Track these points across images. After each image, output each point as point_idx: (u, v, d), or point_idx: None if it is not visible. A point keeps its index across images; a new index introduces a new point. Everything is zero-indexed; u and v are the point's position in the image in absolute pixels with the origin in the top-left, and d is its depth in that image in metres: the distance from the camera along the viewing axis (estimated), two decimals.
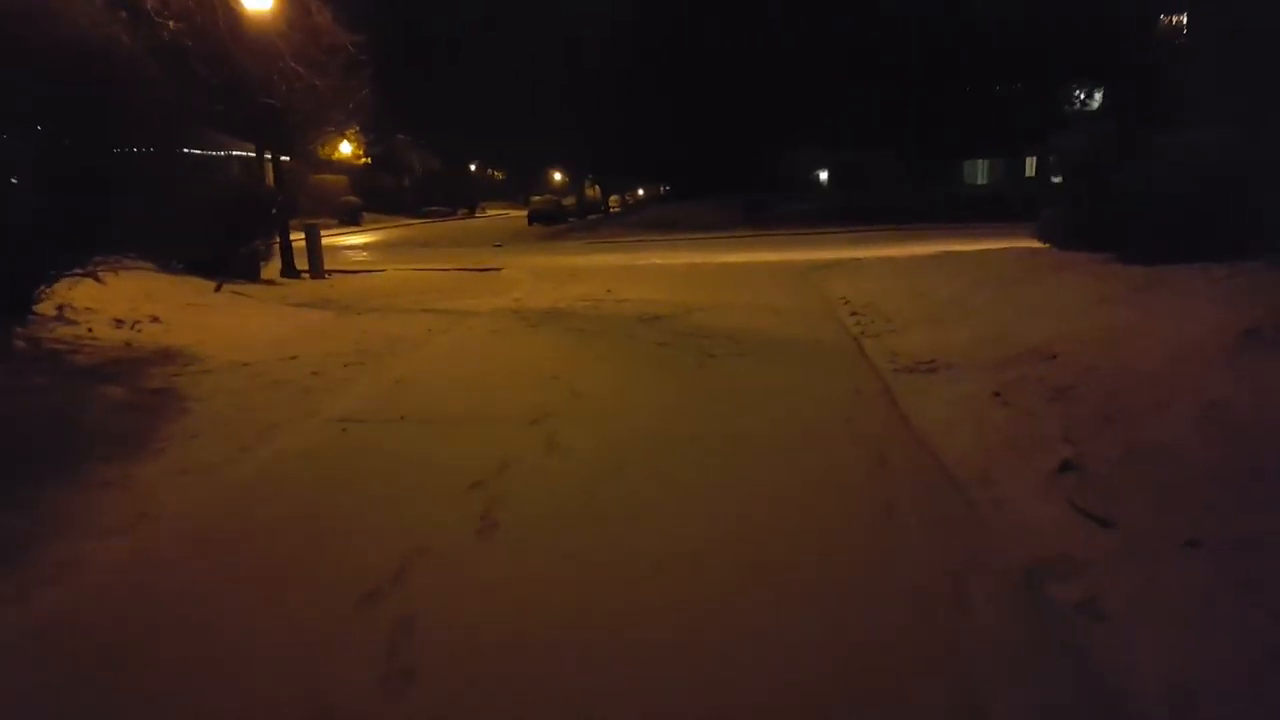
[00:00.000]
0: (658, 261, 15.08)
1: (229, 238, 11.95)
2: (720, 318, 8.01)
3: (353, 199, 43.17)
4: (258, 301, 10.26)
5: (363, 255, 23.43)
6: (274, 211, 12.33)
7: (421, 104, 49.54)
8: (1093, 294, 6.28)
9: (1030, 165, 33.86)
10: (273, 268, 13.52)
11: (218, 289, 10.29)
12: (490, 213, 60.01)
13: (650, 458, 4.06)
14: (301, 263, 14.07)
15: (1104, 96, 30.61)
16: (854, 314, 7.84)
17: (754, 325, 7.57)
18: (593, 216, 39.53)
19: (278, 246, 13.48)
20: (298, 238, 14.19)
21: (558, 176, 68.83)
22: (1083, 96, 31.74)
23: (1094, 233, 8.82)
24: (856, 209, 27.76)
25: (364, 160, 49.43)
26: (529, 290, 10.64)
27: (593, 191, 50.40)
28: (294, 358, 6.70)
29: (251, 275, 12.77)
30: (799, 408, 4.92)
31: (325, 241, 31.62)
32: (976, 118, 31.55)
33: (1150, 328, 5.05)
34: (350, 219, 41.46)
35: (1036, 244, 12.36)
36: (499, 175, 70.02)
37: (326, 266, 14.84)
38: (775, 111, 32.00)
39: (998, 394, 4.76)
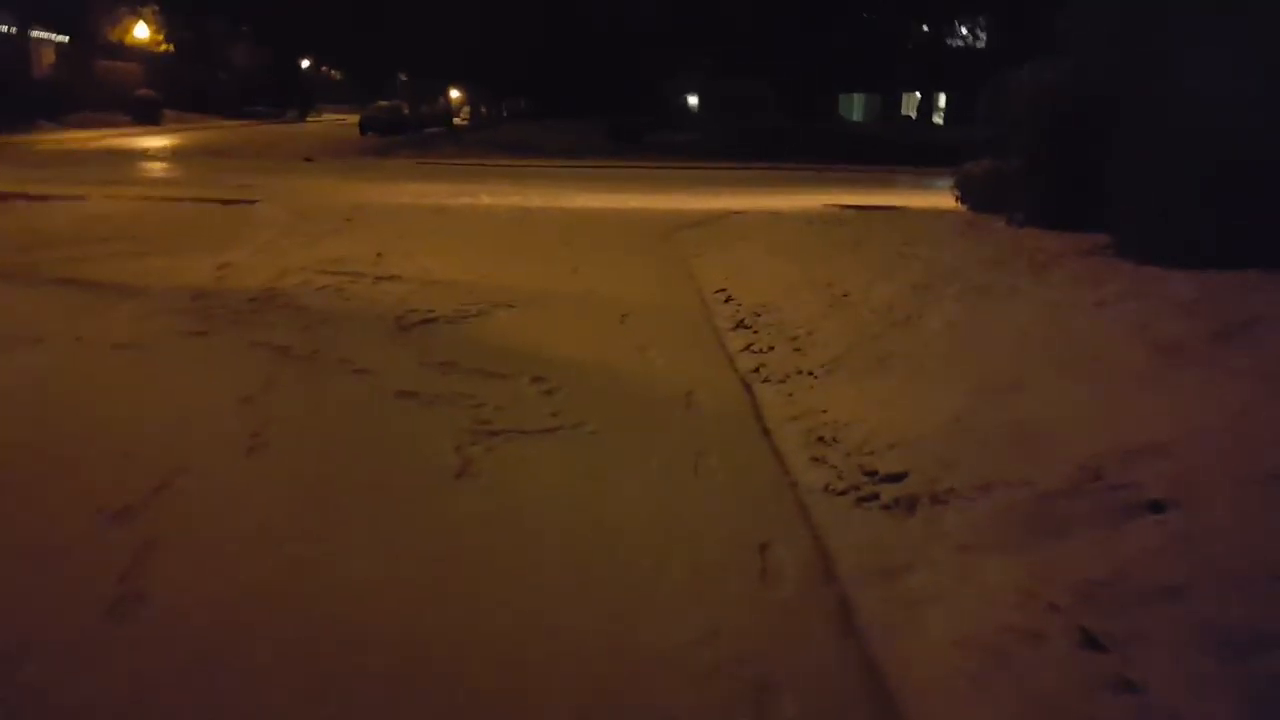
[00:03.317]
0: (485, 201, 11.67)
1: None
2: (533, 326, 4.97)
3: (149, 93, 36.15)
4: None
5: (148, 164, 18.66)
6: None
7: None
8: (1142, 331, 3.72)
9: (908, 103, 32.19)
10: None
11: None
12: (326, 117, 53.29)
13: None
14: None
15: (989, 34, 29.03)
16: (742, 325, 5.00)
17: (584, 348, 4.58)
18: (432, 130, 34.65)
19: None
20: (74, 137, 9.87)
21: (404, 79, 61.83)
22: (968, 33, 30.04)
23: (1068, 206, 6.40)
24: (731, 143, 24.99)
25: (165, 47, 41.68)
26: (262, 246, 7.13)
27: (456, 101, 44.97)
28: None
29: None
30: (636, 669, 2.01)
31: (109, 143, 25.92)
32: (857, 48, 29.26)
33: None
34: (146, 117, 34.80)
35: (956, 205, 10.01)
36: (336, 75, 61.87)
37: (37, 186, 10.55)
38: (652, 30, 28.47)
39: (1093, 641, 2.06)
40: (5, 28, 30.32)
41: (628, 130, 27.81)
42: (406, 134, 32.47)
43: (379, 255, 6.79)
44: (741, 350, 4.55)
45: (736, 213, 10.27)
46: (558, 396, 3.82)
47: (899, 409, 3.54)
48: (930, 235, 6.97)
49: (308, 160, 20.92)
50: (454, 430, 3.38)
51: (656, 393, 3.93)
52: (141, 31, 39.61)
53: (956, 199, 9.78)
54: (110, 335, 4.42)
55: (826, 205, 11.76)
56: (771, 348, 4.50)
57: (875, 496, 2.87)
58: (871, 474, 3.02)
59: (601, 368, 4.25)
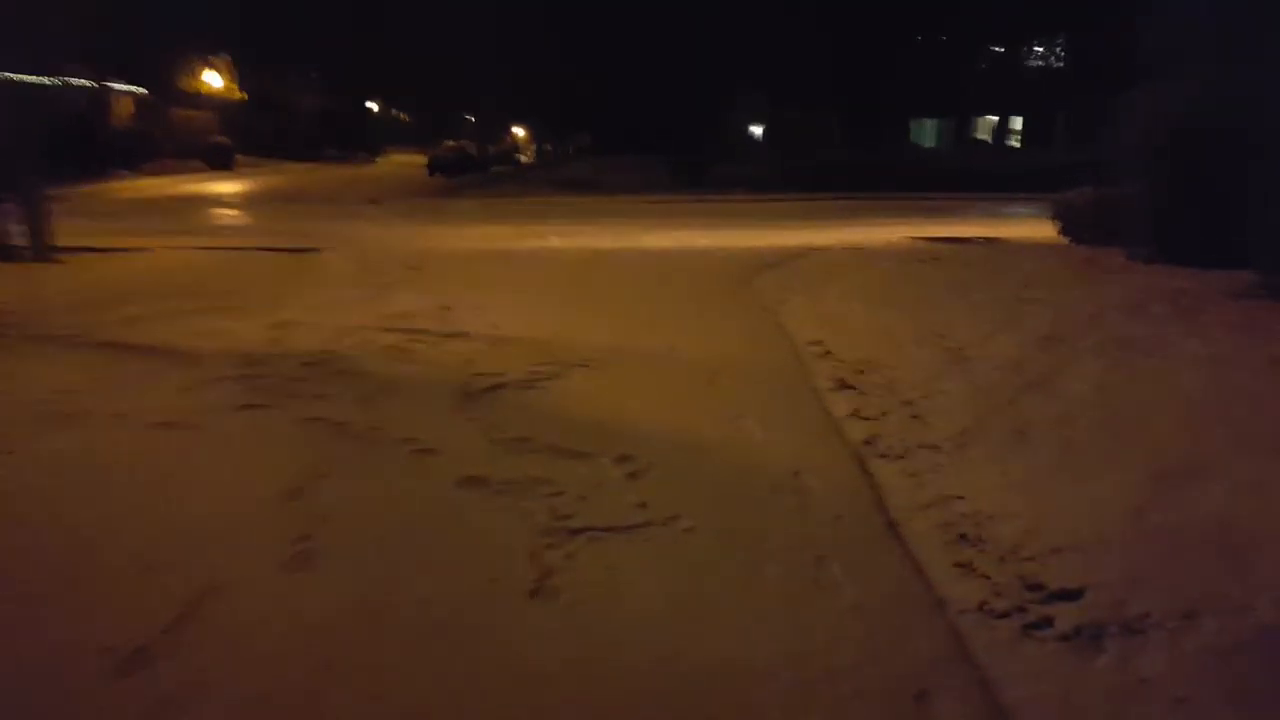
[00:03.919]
0: (554, 243, 11.39)
1: None
2: (612, 390, 4.51)
3: (222, 140, 37.35)
4: None
5: (219, 211, 19.16)
6: None
7: (315, 34, 43.55)
8: None
9: (983, 127, 31.14)
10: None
11: None
12: (395, 159, 54.69)
13: None
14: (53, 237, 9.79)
15: (1067, 55, 27.90)
16: (843, 385, 4.45)
17: (670, 417, 4.09)
18: (499, 169, 35.08)
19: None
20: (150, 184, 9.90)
21: (470, 119, 63.31)
22: (1043, 52, 28.97)
23: (1202, 240, 5.69)
24: (799, 174, 24.47)
25: (239, 96, 43.25)
26: (324, 301, 6.89)
27: (521, 139, 45.79)
28: None
29: None
30: None
31: (183, 190, 26.86)
32: (929, 72, 28.47)
33: None
34: (220, 163, 35.88)
35: (1055, 236, 9.26)
36: (404, 118, 63.60)
37: (107, 238, 10.60)
38: (714, 57, 28.27)
39: None
40: (85, 82, 31.78)
41: (691, 164, 27.53)
42: (474, 174, 32.89)
43: (445, 309, 6.46)
44: (848, 416, 3.99)
45: (815, 249, 9.71)
46: (645, 481, 3.34)
47: (1055, 498, 2.95)
48: (1042, 274, 6.30)
49: (374, 203, 21.16)
50: (528, 529, 2.92)
51: (757, 473, 3.41)
52: (215, 81, 41.17)
53: (1058, 230, 9.07)
54: (153, 411, 4.10)
55: (910, 238, 11.10)
56: (884, 414, 3.94)
57: (1048, 623, 2.29)
58: (1037, 589, 2.44)
59: (691, 442, 3.76)
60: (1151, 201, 6.20)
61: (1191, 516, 2.71)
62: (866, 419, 3.91)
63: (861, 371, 4.55)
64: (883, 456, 3.50)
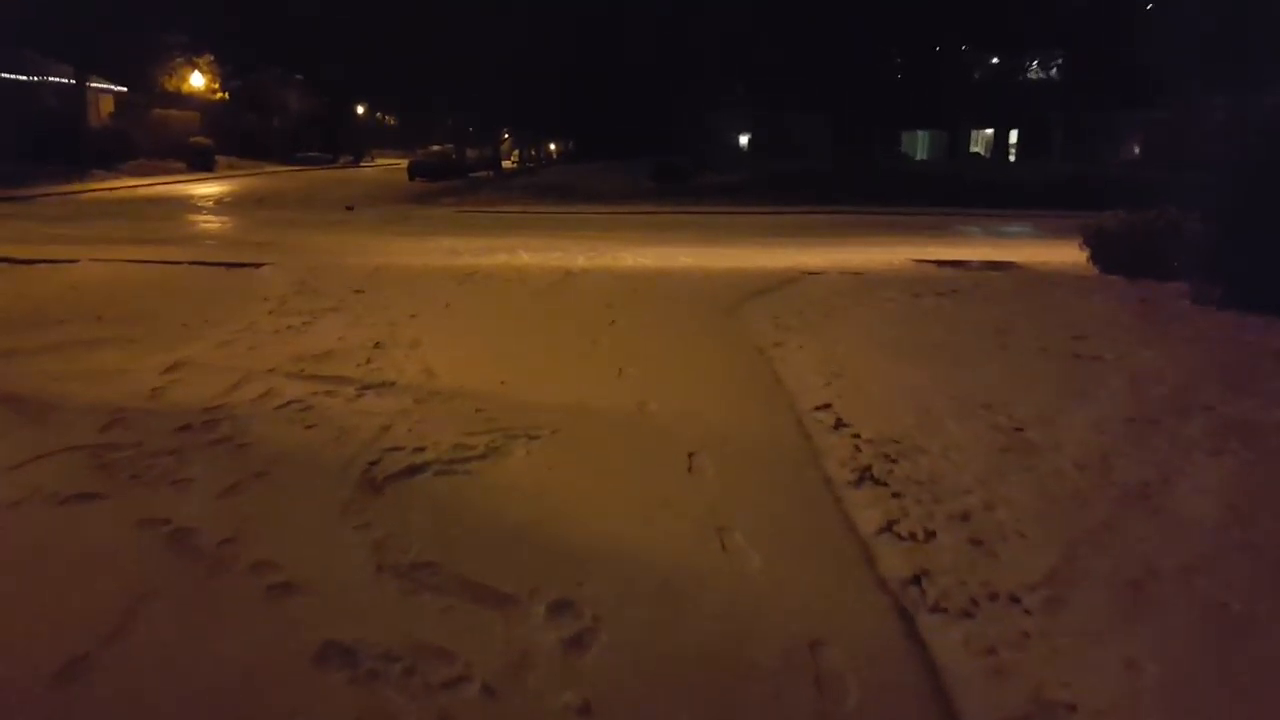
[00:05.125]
0: (523, 259, 10.28)
1: None
2: (561, 477, 3.42)
3: (203, 140, 36.30)
4: None
5: (182, 215, 18.01)
6: None
7: (302, 34, 42.30)
8: None
9: (978, 140, 30.31)
10: None
11: None
12: (380, 162, 53.57)
13: None
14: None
15: (1064, 68, 27.11)
16: (869, 477, 3.38)
17: (633, 526, 2.99)
18: (477, 175, 33.92)
19: None
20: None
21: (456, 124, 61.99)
22: (1039, 64, 28.19)
23: None
24: (786, 184, 23.51)
25: (220, 95, 42.16)
26: (239, 332, 5.76)
27: (505, 143, 44.77)
28: None
29: None
30: None
31: (156, 191, 25.59)
32: (922, 83, 27.63)
33: None
34: (200, 164, 34.80)
35: (1082, 261, 8.28)
36: (390, 121, 62.41)
37: (41, 245, 9.52)
38: (698, 62, 27.34)
39: None
40: (63, 79, 30.62)
41: (674, 172, 26.51)
42: (454, 179, 31.78)
43: (376, 346, 5.36)
44: (881, 533, 2.93)
45: (809, 274, 8.69)
46: (591, 654, 2.26)
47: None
48: (1093, 317, 5.27)
49: (349, 209, 20.04)
50: None
51: (756, 642, 2.34)
52: (197, 80, 40.15)
53: (1087, 257, 8.09)
54: None
55: (914, 261, 10.11)
56: (931, 533, 2.88)
57: None
58: None
59: (661, 574, 2.68)
60: (1232, 233, 5.21)
61: None
62: (907, 540, 2.85)
63: (889, 457, 3.50)
64: (939, 610, 2.44)
